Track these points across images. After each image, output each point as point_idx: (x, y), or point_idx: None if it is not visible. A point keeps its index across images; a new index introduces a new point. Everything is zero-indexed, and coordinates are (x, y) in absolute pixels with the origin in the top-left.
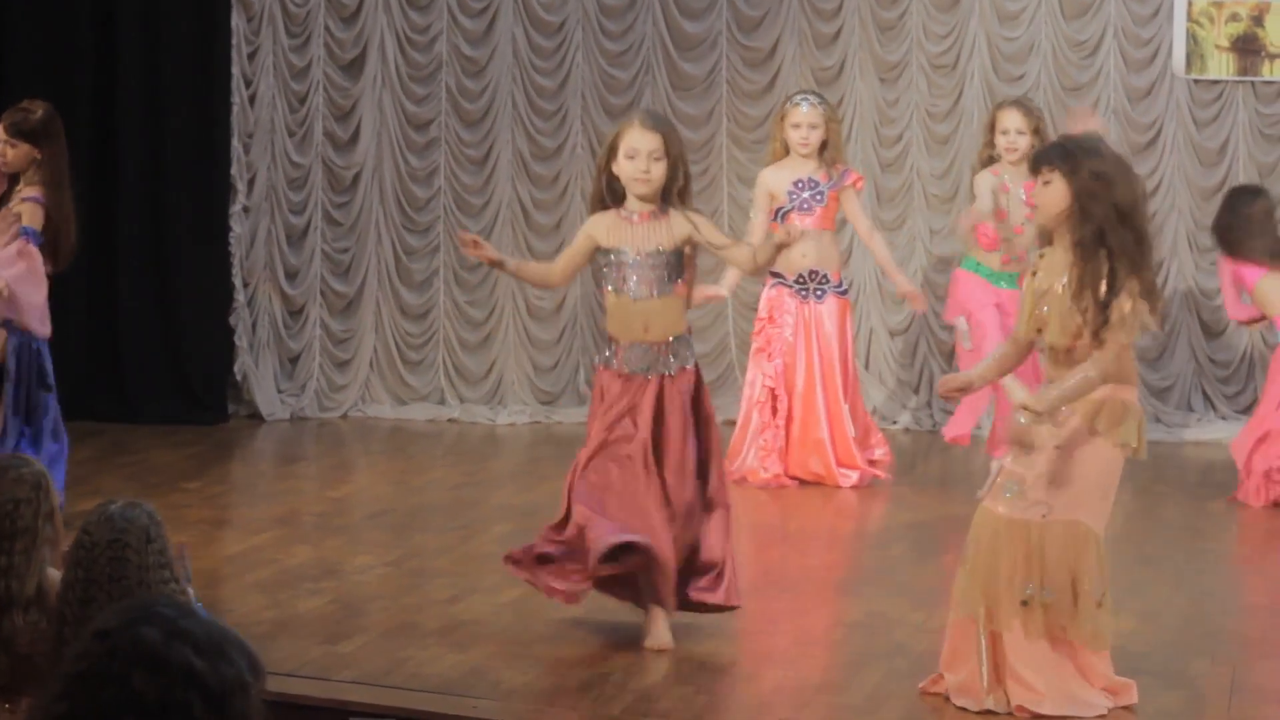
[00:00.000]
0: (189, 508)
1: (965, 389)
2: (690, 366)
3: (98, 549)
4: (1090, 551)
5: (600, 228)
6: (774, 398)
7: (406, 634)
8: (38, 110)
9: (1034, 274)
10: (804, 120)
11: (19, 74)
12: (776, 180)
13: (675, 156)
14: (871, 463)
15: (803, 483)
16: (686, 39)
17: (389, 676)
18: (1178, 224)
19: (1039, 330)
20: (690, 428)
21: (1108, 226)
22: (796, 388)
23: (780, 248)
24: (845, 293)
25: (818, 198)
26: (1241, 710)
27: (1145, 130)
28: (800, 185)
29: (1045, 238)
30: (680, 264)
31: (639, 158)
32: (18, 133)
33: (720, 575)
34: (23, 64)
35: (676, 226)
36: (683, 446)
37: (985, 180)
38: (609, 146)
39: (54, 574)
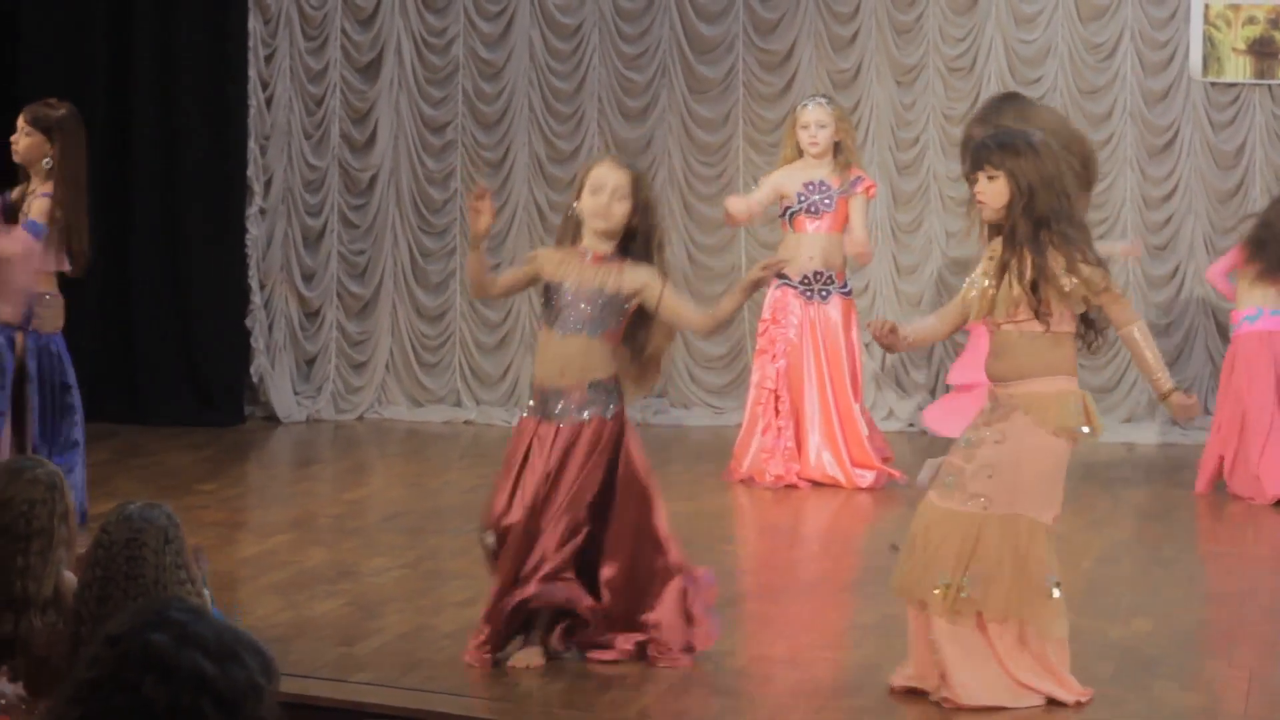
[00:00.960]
0: (204, 510)
1: (892, 337)
2: (609, 417)
3: (115, 549)
4: (1038, 543)
5: (549, 259)
6: (776, 399)
7: (422, 636)
8: (60, 107)
9: (989, 259)
10: (811, 120)
11: (35, 75)
12: (788, 179)
13: (642, 202)
14: (885, 460)
15: (816, 484)
16: (703, 42)
17: (405, 678)
18: (1194, 227)
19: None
20: (592, 477)
21: (1052, 216)
22: (806, 389)
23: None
24: (850, 293)
25: (826, 202)
26: (1258, 712)
27: (1162, 133)
28: (811, 187)
29: (994, 230)
30: (618, 311)
31: (602, 192)
32: (33, 121)
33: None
34: (39, 65)
35: (630, 276)
36: (573, 490)
37: None
38: (578, 184)
39: (70, 576)
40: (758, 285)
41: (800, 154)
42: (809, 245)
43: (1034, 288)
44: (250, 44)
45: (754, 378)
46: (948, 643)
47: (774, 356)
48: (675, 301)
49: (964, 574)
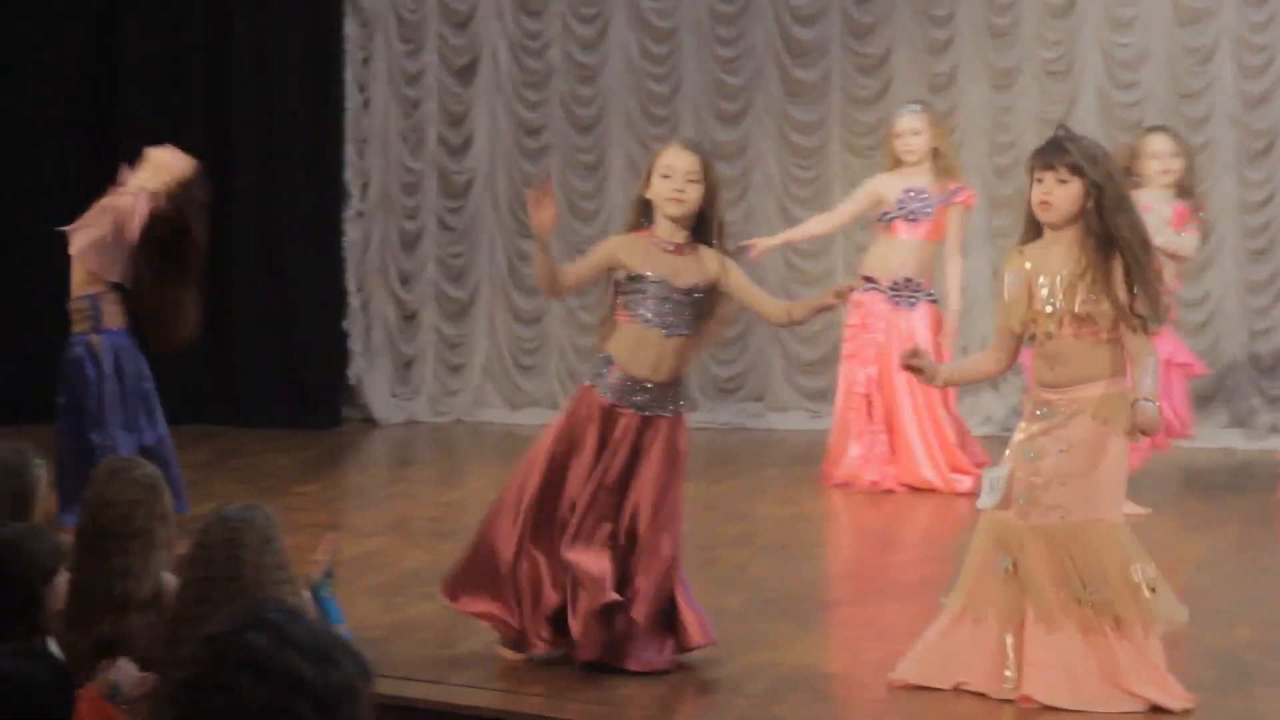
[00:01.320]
0: (302, 512)
1: (923, 372)
2: (683, 412)
3: (215, 549)
4: (1125, 543)
5: (630, 251)
6: (868, 403)
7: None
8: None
9: (1018, 265)
10: (905, 128)
11: (135, 81)
12: (888, 185)
13: (712, 186)
14: (979, 465)
15: (914, 489)
16: (799, 45)
17: (501, 680)
18: None
19: (1033, 321)
20: (673, 476)
21: (1122, 225)
22: (899, 395)
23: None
24: (937, 300)
25: (926, 210)
26: None
27: (1260, 137)
28: (910, 194)
29: (1032, 231)
30: (706, 305)
31: (674, 176)
32: None
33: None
34: (138, 71)
35: (708, 264)
36: (660, 492)
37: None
38: (646, 171)
39: (169, 577)
40: (826, 308)
41: (898, 162)
42: (902, 251)
43: (1119, 300)
44: (347, 48)
45: (841, 382)
46: (1042, 649)
47: (864, 361)
48: (748, 284)
49: (1081, 584)
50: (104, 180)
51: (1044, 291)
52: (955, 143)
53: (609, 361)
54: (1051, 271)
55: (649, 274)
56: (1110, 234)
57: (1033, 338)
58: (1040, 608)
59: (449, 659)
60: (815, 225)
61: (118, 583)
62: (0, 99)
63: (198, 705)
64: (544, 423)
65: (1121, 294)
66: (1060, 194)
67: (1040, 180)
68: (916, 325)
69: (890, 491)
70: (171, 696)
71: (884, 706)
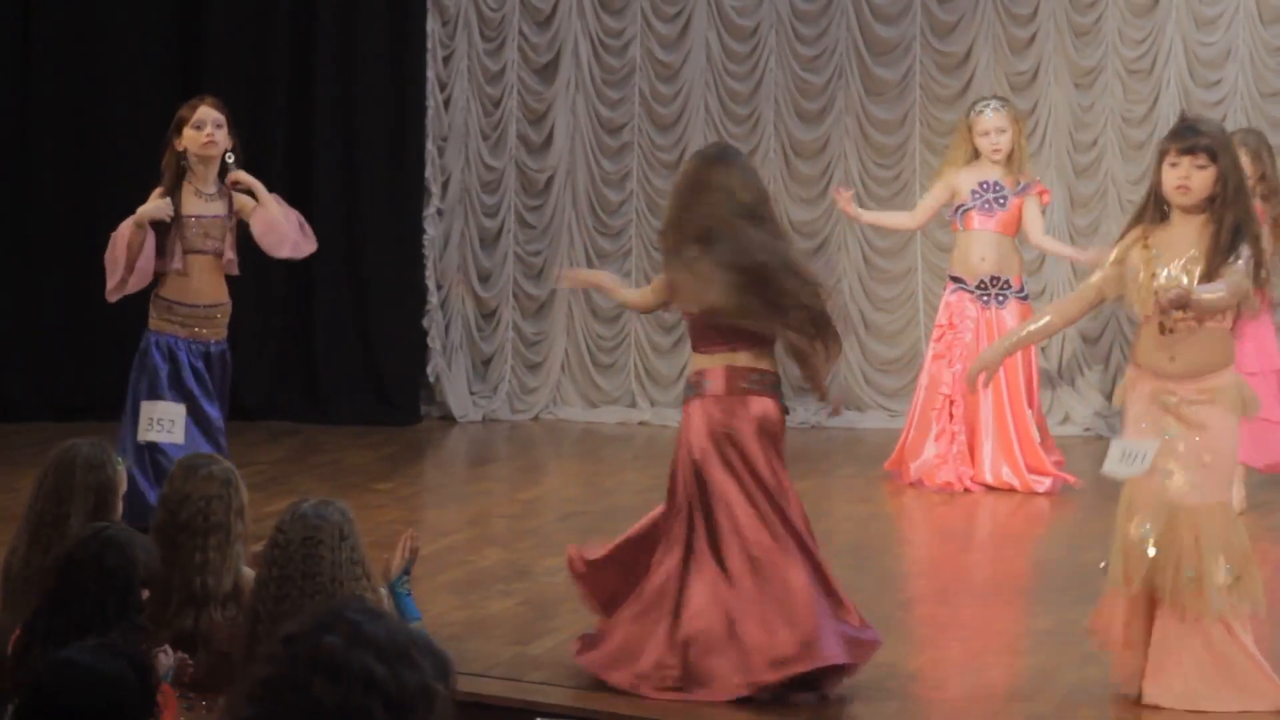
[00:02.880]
0: (381, 508)
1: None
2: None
3: (292, 546)
4: (1237, 527)
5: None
6: (950, 404)
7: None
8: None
9: (1138, 245)
10: (992, 126)
11: (217, 81)
12: (962, 179)
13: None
14: (1057, 464)
15: (990, 489)
16: (880, 43)
17: (578, 678)
18: None
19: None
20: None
21: (1246, 212)
22: (984, 395)
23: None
24: (1027, 298)
25: (1000, 201)
26: None
27: None
28: (985, 186)
29: (1159, 213)
30: None
31: None
32: (223, 109)
33: None
34: (221, 71)
35: None
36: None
37: None
38: None
39: (248, 572)
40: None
41: (975, 156)
42: (980, 244)
43: (1256, 283)
44: (429, 46)
45: (924, 380)
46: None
47: (950, 361)
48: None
49: (1219, 568)
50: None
51: (1167, 275)
52: (1036, 142)
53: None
54: (1179, 255)
55: None
56: (1236, 221)
57: (1151, 324)
58: (1164, 590)
59: (525, 656)
60: (897, 219)
61: (196, 578)
62: (84, 104)
63: (272, 704)
64: (621, 421)
65: (1246, 281)
66: (1199, 178)
67: (1176, 164)
68: (1006, 323)
69: (967, 491)
70: (248, 694)
71: (963, 706)
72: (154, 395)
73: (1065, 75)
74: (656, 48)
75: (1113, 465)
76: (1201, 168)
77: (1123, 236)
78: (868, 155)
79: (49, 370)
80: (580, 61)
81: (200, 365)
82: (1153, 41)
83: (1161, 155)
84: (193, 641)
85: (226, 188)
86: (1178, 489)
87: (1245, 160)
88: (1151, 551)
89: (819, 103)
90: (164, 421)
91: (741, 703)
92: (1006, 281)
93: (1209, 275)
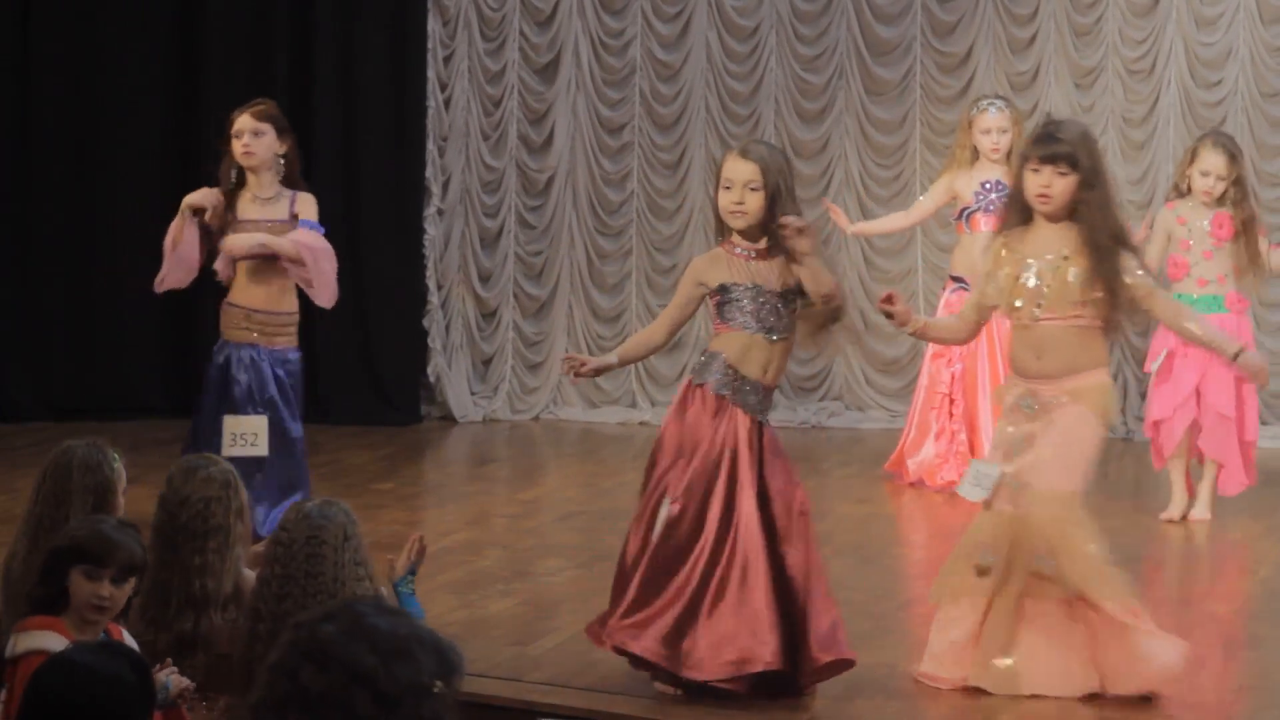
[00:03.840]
0: (381, 508)
1: (894, 316)
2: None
3: (295, 546)
4: (1083, 515)
5: (710, 270)
6: (950, 403)
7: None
8: (273, 105)
9: (1002, 251)
10: (994, 125)
11: (215, 74)
12: (964, 181)
13: (773, 188)
14: None
15: None
16: (880, 44)
17: (579, 678)
18: None
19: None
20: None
21: (1116, 220)
22: (982, 394)
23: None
24: None
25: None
26: None
27: None
28: (988, 187)
29: (1019, 216)
30: (793, 306)
31: (734, 188)
32: (265, 118)
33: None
34: (219, 65)
35: (784, 267)
36: (792, 495)
37: (1162, 220)
38: (715, 181)
39: (249, 574)
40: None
41: (975, 157)
42: (984, 245)
43: (1110, 287)
44: (429, 45)
45: (923, 380)
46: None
47: (950, 360)
48: (816, 278)
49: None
50: (184, 185)
51: (1031, 275)
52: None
53: (716, 357)
54: (1039, 255)
55: (737, 282)
56: (1099, 223)
57: (1019, 325)
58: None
59: (525, 656)
60: (892, 222)
61: (196, 580)
62: (84, 104)
63: (269, 688)
64: (621, 421)
65: (1115, 281)
66: (1059, 185)
67: (1037, 171)
68: (1005, 322)
69: None
70: (259, 679)
71: (961, 706)
72: (229, 409)
73: (1066, 75)
74: (657, 48)
75: (964, 488)
76: (1062, 175)
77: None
78: (868, 155)
79: (49, 370)
80: (581, 61)
81: (258, 371)
82: (1153, 42)
83: (1023, 161)
84: (193, 644)
85: (290, 192)
86: (1017, 501)
87: (1223, 162)
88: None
89: (819, 103)
90: (246, 436)
91: (741, 703)
92: None
93: (1092, 283)
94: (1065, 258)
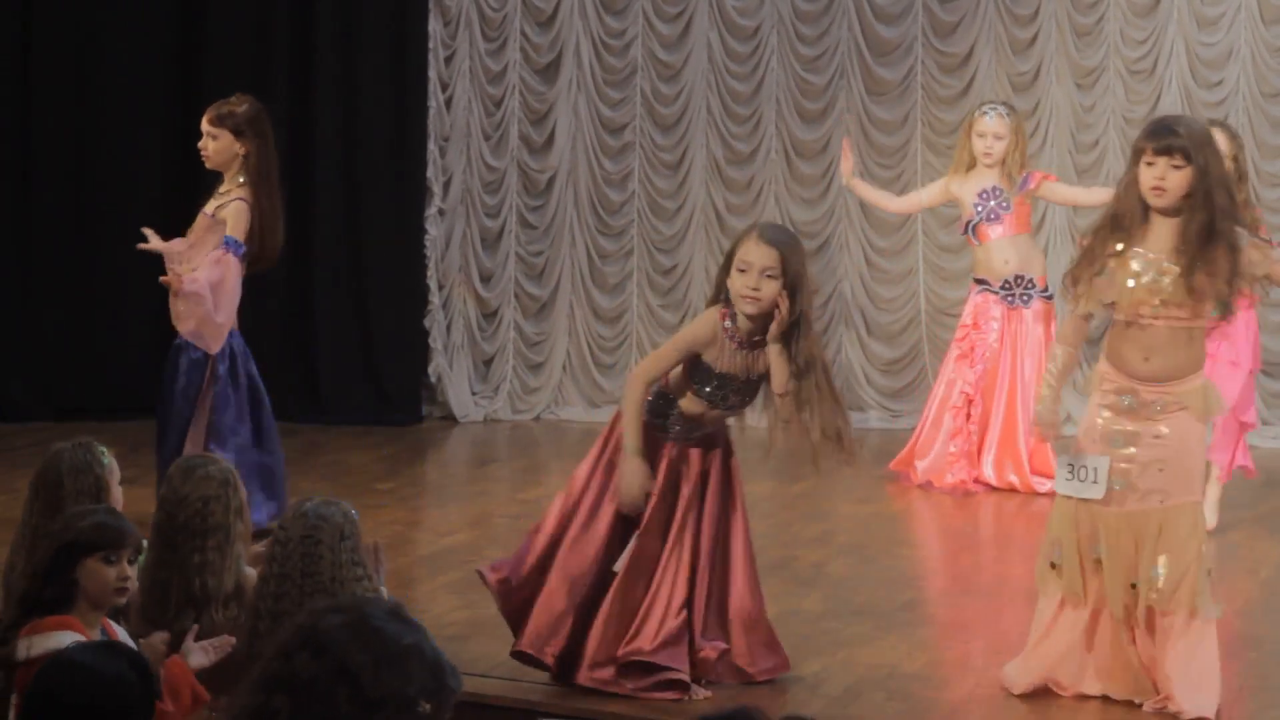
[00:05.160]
0: (382, 509)
1: (1053, 426)
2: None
3: (291, 544)
4: (1202, 525)
5: (709, 350)
6: (969, 403)
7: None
8: (242, 104)
9: (1117, 246)
10: (989, 130)
11: (218, 76)
12: (962, 189)
13: (792, 279)
14: None
15: (992, 489)
16: (881, 44)
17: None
18: None
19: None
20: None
21: (1228, 212)
22: (999, 394)
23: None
24: (1050, 297)
25: (1004, 205)
26: None
27: None
28: (985, 195)
29: (1128, 217)
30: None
31: (750, 271)
32: (218, 120)
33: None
34: (220, 65)
35: (764, 356)
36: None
37: None
38: (727, 255)
39: (250, 572)
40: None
41: (974, 162)
42: (999, 250)
43: (1230, 284)
44: (430, 45)
45: (944, 378)
46: (1168, 649)
47: (973, 362)
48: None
49: (1157, 572)
50: (186, 188)
51: (1151, 272)
52: (1038, 142)
53: (672, 406)
54: (1156, 252)
55: (719, 370)
56: (1212, 221)
57: (1126, 324)
58: (1116, 604)
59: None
60: (884, 198)
61: (196, 579)
62: (84, 104)
63: (266, 667)
64: None
65: (1222, 282)
66: (1173, 179)
67: (1152, 164)
68: (1030, 323)
69: (970, 492)
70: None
71: (964, 706)
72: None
73: (1067, 75)
74: (658, 48)
75: (1064, 484)
76: (1177, 168)
77: (1089, 250)
78: (869, 155)
79: (49, 370)
80: (582, 62)
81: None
82: (1154, 42)
83: (1138, 154)
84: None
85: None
86: (1141, 498)
87: (1223, 139)
88: (1098, 571)
89: (820, 103)
90: None
91: (742, 701)
92: (1031, 281)
93: (1186, 273)
94: (1175, 257)
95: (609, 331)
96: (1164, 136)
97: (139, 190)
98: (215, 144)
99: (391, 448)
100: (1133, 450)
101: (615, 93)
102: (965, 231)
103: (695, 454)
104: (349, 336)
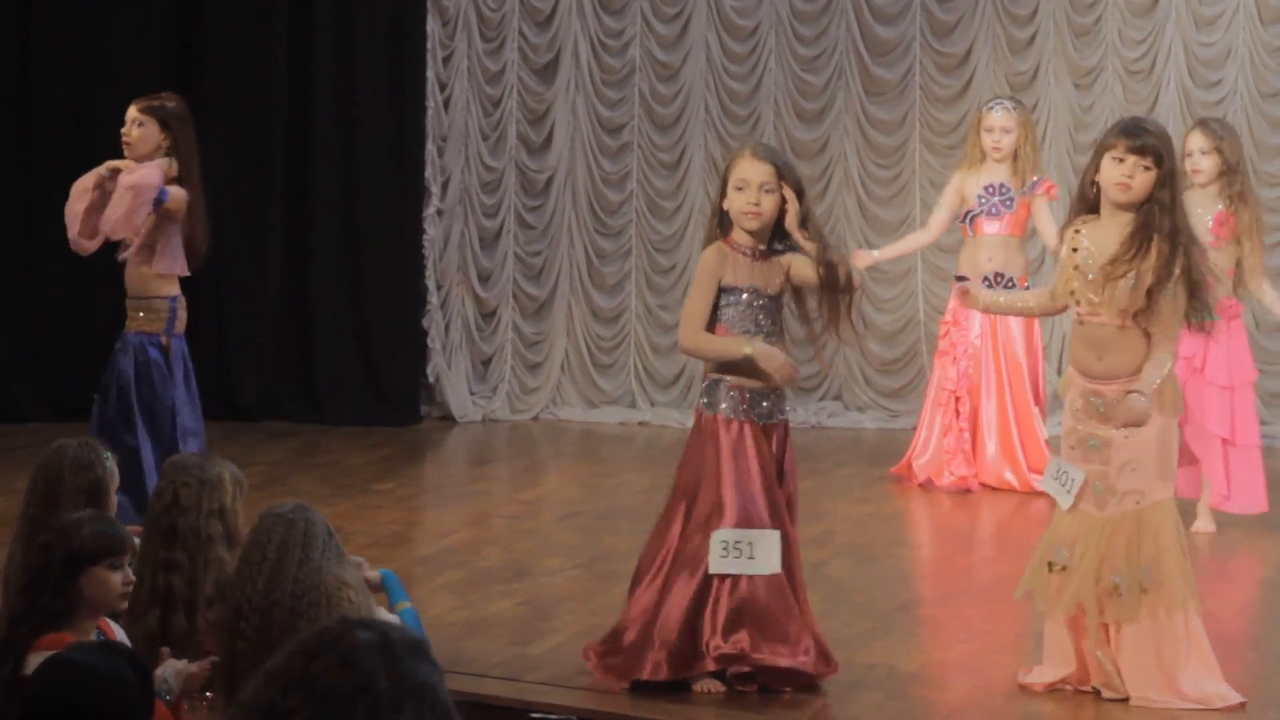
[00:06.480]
0: (381, 509)
1: (968, 293)
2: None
3: (267, 549)
4: (1178, 524)
5: (722, 267)
6: (956, 400)
7: (596, 636)
8: (172, 100)
9: (1074, 249)
10: (996, 124)
11: (216, 75)
12: (969, 183)
13: (791, 189)
14: None
15: (991, 489)
16: (880, 44)
17: (579, 678)
18: None
19: (1072, 296)
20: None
21: (1181, 220)
22: (985, 392)
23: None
24: None
25: (1007, 203)
26: None
27: None
28: (991, 190)
29: (1085, 206)
30: (794, 305)
31: (748, 189)
32: (147, 110)
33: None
34: (219, 67)
35: (783, 265)
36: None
37: None
38: (721, 180)
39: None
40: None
41: (983, 158)
42: (987, 247)
43: (1193, 289)
44: (428, 46)
45: (933, 379)
46: (1131, 646)
47: (955, 359)
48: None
49: (1140, 571)
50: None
51: (1094, 269)
52: (1037, 142)
53: (720, 383)
54: (1103, 250)
55: (742, 284)
56: (1173, 226)
57: (1079, 323)
58: (1089, 602)
59: (525, 656)
60: (913, 240)
61: (177, 580)
62: (83, 104)
63: (285, 662)
64: (621, 421)
65: (1177, 288)
66: (1141, 179)
67: (1122, 161)
68: (1011, 322)
69: (968, 491)
70: (281, 650)
71: (961, 706)
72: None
73: (1065, 75)
74: (656, 48)
75: (1048, 482)
76: (1147, 169)
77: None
78: (867, 156)
79: (49, 370)
80: (580, 62)
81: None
82: (1153, 42)
83: (1106, 149)
84: (184, 644)
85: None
86: (1119, 499)
87: (1200, 140)
88: (1064, 567)
89: (819, 103)
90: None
91: (740, 702)
92: (1011, 280)
93: (1113, 275)
94: (1123, 257)
95: (607, 331)
96: (1139, 136)
97: None
98: (140, 130)
99: (390, 448)
100: (1108, 452)
101: (613, 93)
102: (963, 220)
103: (755, 431)
104: (347, 337)
